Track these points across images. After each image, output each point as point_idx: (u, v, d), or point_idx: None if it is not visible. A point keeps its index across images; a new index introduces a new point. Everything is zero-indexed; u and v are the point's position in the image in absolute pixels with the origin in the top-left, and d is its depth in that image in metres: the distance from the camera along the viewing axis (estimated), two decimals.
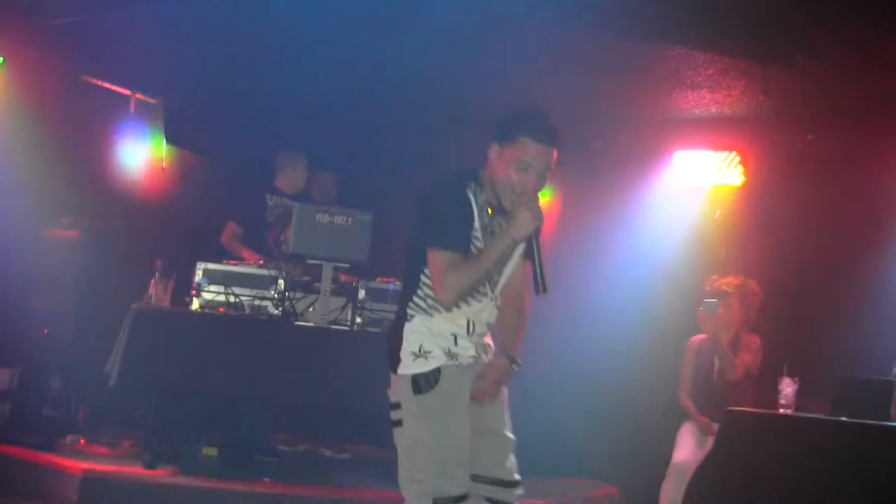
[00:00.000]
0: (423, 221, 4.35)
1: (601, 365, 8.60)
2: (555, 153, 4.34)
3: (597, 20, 6.96)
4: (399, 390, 4.45)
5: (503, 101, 8.62)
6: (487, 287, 4.40)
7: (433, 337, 4.35)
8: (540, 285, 4.31)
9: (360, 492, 7.15)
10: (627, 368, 8.51)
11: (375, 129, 9.54)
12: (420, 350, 4.35)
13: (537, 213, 4.24)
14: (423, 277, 4.36)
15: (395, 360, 4.43)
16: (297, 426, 8.51)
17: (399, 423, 4.47)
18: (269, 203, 8.13)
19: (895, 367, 6.58)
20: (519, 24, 7.19)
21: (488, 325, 4.48)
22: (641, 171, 9.24)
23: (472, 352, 4.40)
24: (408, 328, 4.39)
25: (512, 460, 4.50)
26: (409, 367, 4.36)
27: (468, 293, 4.33)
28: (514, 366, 4.52)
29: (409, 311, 4.41)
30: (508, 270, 4.48)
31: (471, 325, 4.38)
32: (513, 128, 4.38)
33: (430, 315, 4.37)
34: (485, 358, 4.48)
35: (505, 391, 4.57)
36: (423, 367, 4.34)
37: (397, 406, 4.48)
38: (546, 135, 4.34)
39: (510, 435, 4.51)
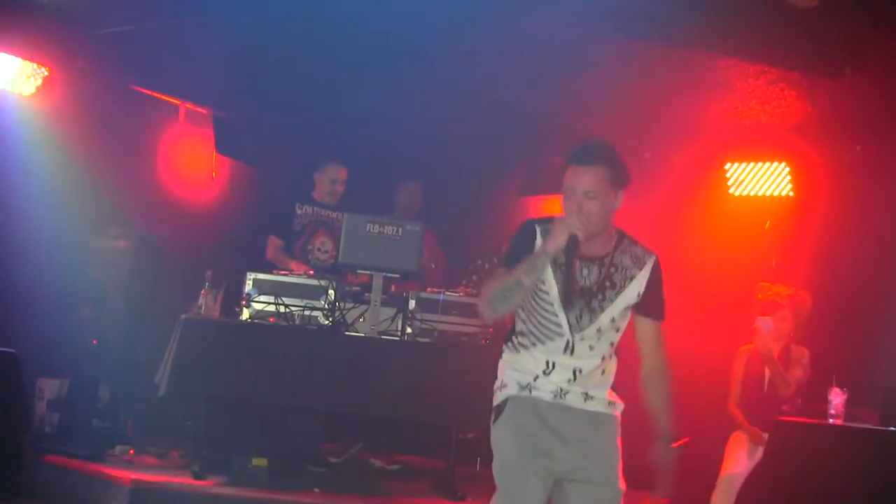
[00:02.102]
0: None
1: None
2: (597, 170, 4.22)
3: (647, 30, 6.94)
4: None
5: (556, 112, 8.76)
6: (565, 327, 4.31)
7: (514, 372, 4.38)
8: (564, 296, 4.24)
9: (410, 502, 7.14)
10: (676, 378, 8.45)
11: (439, 141, 9.54)
12: (501, 383, 4.42)
13: (573, 226, 4.14)
14: (515, 318, 4.42)
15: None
16: (347, 436, 8.50)
17: None
18: (298, 212, 8.12)
19: None
20: (569, 34, 7.18)
21: (580, 371, 4.38)
22: (691, 181, 9.20)
23: (552, 387, 4.37)
24: (500, 363, 4.48)
25: None
26: (495, 399, 4.44)
27: (505, 307, 4.29)
28: (670, 446, 4.65)
29: (503, 348, 4.50)
30: (603, 317, 4.35)
31: (550, 364, 4.34)
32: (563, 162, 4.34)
33: (517, 352, 4.40)
34: (577, 400, 4.42)
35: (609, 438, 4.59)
36: (499, 398, 4.41)
37: None
38: (580, 155, 4.25)
39: (616, 486, 4.57)
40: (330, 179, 8.21)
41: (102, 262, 8.26)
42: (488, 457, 8.09)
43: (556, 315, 4.31)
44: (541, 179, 10.20)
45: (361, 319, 7.22)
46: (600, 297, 4.31)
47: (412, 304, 7.33)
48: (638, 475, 8.08)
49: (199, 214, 9.34)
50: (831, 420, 6.37)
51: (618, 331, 4.41)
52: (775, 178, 8.86)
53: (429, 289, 7.49)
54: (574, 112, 8.76)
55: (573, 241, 4.14)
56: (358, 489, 7.29)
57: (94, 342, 8.06)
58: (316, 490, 6.92)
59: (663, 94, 8.21)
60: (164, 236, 8.54)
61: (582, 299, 4.29)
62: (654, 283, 4.40)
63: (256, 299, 7.16)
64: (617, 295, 4.33)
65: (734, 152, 9.08)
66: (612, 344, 4.42)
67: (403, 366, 7.07)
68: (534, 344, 4.35)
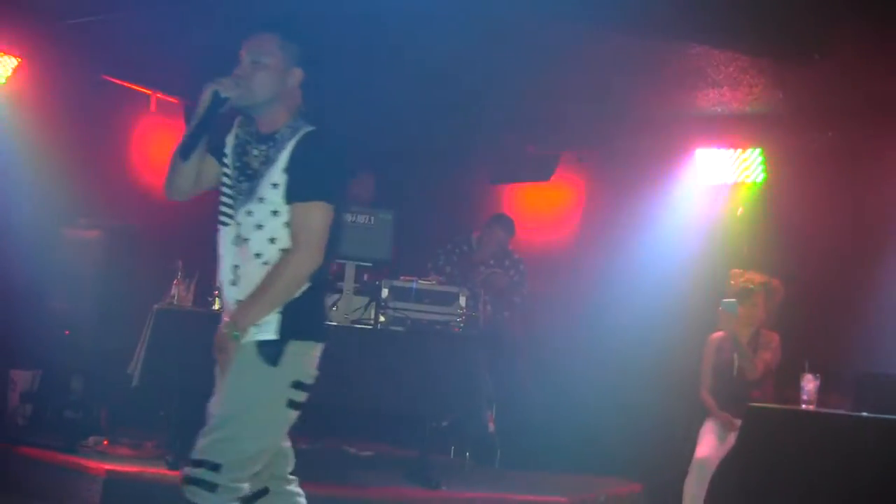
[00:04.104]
0: None
1: (624, 362, 8.61)
2: (268, 38, 4.11)
3: (616, 19, 6.95)
4: None
5: (524, 100, 8.76)
6: (231, 208, 4.12)
7: None
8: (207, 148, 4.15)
9: (383, 491, 7.14)
10: (650, 365, 8.51)
11: (401, 129, 9.52)
12: None
13: (220, 84, 4.01)
14: None
15: None
16: (320, 424, 8.49)
17: None
18: None
19: None
20: (540, 23, 7.17)
21: (236, 273, 4.08)
22: (663, 169, 9.26)
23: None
24: None
25: (204, 439, 3.98)
26: None
27: (171, 181, 4.27)
28: (233, 332, 4.00)
29: None
30: (255, 198, 4.05)
31: (225, 267, 4.14)
32: None
33: None
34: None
35: (236, 363, 4.03)
36: None
37: None
38: (258, 25, 4.15)
39: (216, 411, 4.04)
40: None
41: (74, 252, 8.24)
42: (462, 445, 8.17)
43: (227, 198, 4.16)
44: (513, 168, 10.23)
45: (334, 308, 7.21)
46: (259, 177, 4.07)
47: (385, 292, 7.33)
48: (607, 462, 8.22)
49: (171, 204, 9.28)
50: (804, 406, 6.41)
51: (275, 215, 4.02)
52: (747, 165, 8.90)
53: (401, 277, 7.49)
54: (545, 101, 8.77)
55: (216, 98, 4.02)
56: (332, 477, 7.28)
57: (67, 333, 8.04)
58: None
59: (634, 83, 8.22)
60: (136, 226, 8.52)
61: (247, 181, 4.10)
62: (299, 157, 4.03)
63: None
64: (267, 171, 4.06)
65: (706, 139, 9.11)
66: (271, 240, 4.02)
67: (377, 355, 7.07)
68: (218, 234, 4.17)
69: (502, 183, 10.39)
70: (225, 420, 3.97)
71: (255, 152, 4.12)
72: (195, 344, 6.82)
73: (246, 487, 4.01)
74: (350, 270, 7.27)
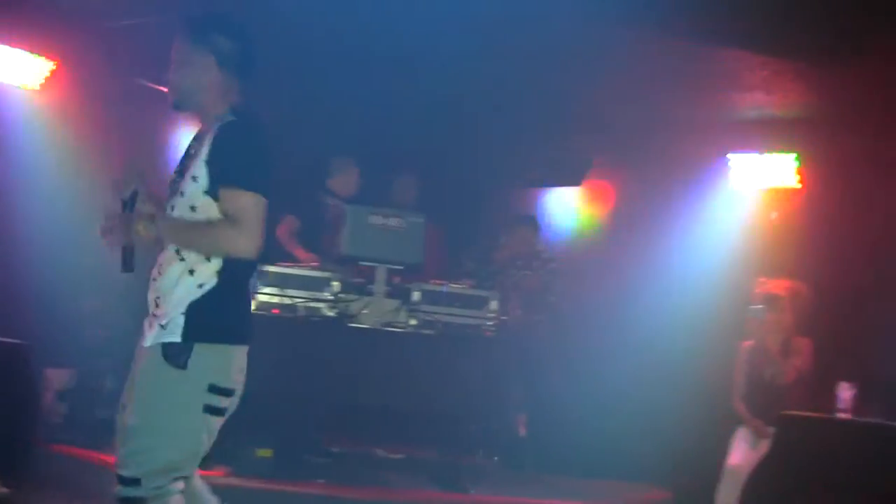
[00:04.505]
0: None
1: (655, 367, 8.57)
2: (178, 43, 4.08)
3: (651, 22, 6.93)
4: None
5: (557, 103, 8.75)
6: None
7: None
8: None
9: (411, 493, 7.16)
10: (682, 371, 8.46)
11: (435, 132, 9.53)
12: None
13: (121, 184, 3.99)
14: None
15: None
16: (349, 427, 8.52)
17: None
18: (329, 202, 8.14)
19: None
20: (577, 29, 7.17)
21: (160, 269, 3.98)
22: (696, 173, 9.19)
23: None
24: None
25: (119, 451, 3.93)
26: None
27: None
28: (142, 223, 3.92)
29: None
30: (177, 201, 3.94)
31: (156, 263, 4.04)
32: None
33: None
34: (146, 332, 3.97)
35: (142, 368, 3.95)
36: None
37: None
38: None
39: (128, 420, 3.91)
40: (355, 175, 8.26)
41: (107, 253, 8.26)
42: (491, 449, 8.15)
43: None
44: (545, 172, 10.22)
45: (365, 311, 7.23)
46: (184, 171, 3.97)
47: (416, 295, 7.34)
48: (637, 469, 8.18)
49: None
50: (840, 414, 6.36)
51: (192, 210, 3.90)
52: (781, 170, 8.83)
53: (432, 281, 7.50)
54: (578, 105, 8.75)
55: (126, 201, 4.00)
56: (362, 480, 7.30)
57: (101, 333, 8.10)
58: (320, 481, 6.94)
59: (667, 87, 8.19)
60: None
61: (178, 178, 3.99)
62: (219, 146, 3.87)
63: (260, 290, 7.17)
64: (191, 164, 3.94)
65: (739, 144, 9.05)
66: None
67: (407, 358, 7.09)
68: None
69: (535, 187, 10.38)
70: (137, 430, 3.86)
71: (190, 150, 4.04)
72: None
73: (178, 487, 3.89)
74: (381, 273, 7.28)
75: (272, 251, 7.59)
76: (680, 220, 9.04)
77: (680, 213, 9.08)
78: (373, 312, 7.22)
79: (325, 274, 7.27)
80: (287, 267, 7.33)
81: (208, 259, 3.88)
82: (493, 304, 7.43)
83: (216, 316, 3.90)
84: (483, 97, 8.67)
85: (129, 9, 7.78)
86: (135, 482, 3.82)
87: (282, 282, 7.19)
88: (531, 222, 8.92)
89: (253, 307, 7.13)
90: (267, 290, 7.16)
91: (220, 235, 3.84)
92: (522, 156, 10.25)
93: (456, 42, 7.41)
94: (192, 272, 3.88)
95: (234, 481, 6.70)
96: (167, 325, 3.87)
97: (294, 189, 8.27)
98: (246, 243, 3.84)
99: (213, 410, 3.92)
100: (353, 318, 7.20)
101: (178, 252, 3.91)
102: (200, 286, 3.88)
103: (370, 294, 7.29)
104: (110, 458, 6.74)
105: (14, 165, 8.17)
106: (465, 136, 9.53)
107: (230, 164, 3.86)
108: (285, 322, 7.14)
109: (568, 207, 10.25)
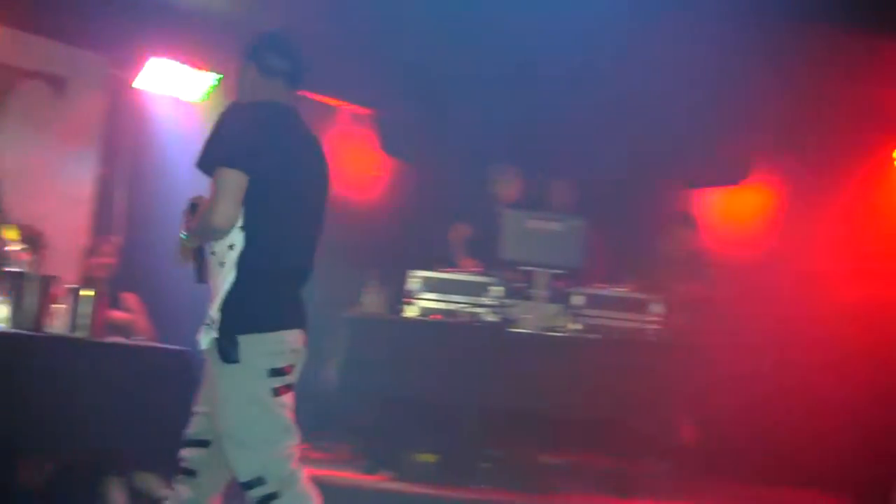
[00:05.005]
0: None
1: (825, 369, 8.35)
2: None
3: (810, 14, 6.79)
4: None
5: (716, 100, 8.61)
6: None
7: None
8: None
9: (576, 499, 7.12)
10: (855, 372, 8.23)
11: (590, 137, 9.47)
12: None
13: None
14: None
15: None
16: (514, 432, 8.49)
17: None
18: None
19: None
20: (739, 24, 7.06)
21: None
22: (860, 171, 8.94)
23: None
24: None
25: (230, 460, 4.19)
26: None
27: None
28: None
29: None
30: None
31: None
32: None
33: None
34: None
35: (212, 372, 4.19)
36: None
37: None
38: None
39: (218, 427, 4.18)
40: (517, 181, 8.24)
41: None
42: (657, 454, 8.05)
43: None
44: (705, 171, 10.06)
45: (527, 316, 7.20)
46: None
47: (578, 299, 7.28)
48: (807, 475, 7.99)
49: (363, 213, 9.44)
50: None
51: None
52: None
53: (595, 284, 7.43)
54: (738, 102, 8.61)
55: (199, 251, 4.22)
56: (525, 485, 7.24)
57: None
58: (483, 486, 6.93)
59: (829, 81, 7.99)
60: (330, 235, 8.64)
61: None
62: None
63: (422, 296, 7.20)
64: None
65: None
66: (230, 247, 4.09)
67: (570, 362, 7.04)
68: None
69: (694, 187, 10.22)
70: (229, 435, 4.09)
71: None
72: (389, 350, 7.02)
73: (297, 466, 4.14)
74: (541, 277, 7.25)
75: (443, 257, 7.63)
76: (845, 219, 8.80)
77: (846, 210, 8.85)
78: (534, 317, 7.20)
79: (486, 279, 7.27)
80: (448, 272, 7.35)
81: (230, 247, 4.06)
82: (656, 307, 7.33)
83: (246, 307, 4.07)
84: (641, 97, 8.60)
85: (287, 20, 7.91)
86: (258, 482, 4.02)
87: (443, 287, 7.22)
88: (690, 222, 8.77)
89: (413, 313, 7.18)
90: (429, 295, 7.19)
91: (203, 213, 4.07)
92: (679, 155, 10.11)
93: (613, 46, 7.37)
94: (222, 264, 4.08)
95: (397, 486, 6.77)
96: (212, 324, 4.07)
97: (466, 197, 8.32)
98: (215, 217, 4.00)
99: (280, 392, 4.11)
100: (514, 322, 7.18)
101: (213, 254, 4.13)
102: (228, 281, 4.06)
103: (531, 298, 7.26)
104: None
105: (179, 178, 8.35)
106: (622, 137, 9.43)
107: (209, 144, 4.11)
108: (447, 327, 7.16)
109: (728, 207, 10.08)
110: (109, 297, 5.48)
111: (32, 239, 6.50)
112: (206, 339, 4.10)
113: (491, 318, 7.18)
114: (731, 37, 7.25)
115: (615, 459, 7.42)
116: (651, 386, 7.05)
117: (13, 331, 5.30)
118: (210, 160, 4.08)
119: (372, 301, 7.39)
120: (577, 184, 8.66)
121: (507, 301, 7.20)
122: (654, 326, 7.30)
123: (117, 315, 7.18)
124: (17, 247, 5.93)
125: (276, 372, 4.08)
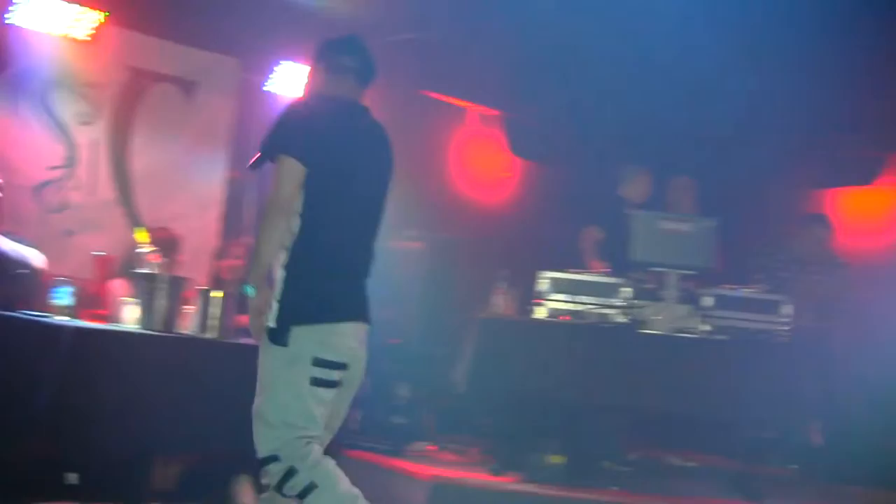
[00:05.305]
0: None
1: None
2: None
3: None
4: None
5: (845, 99, 8.48)
6: None
7: None
8: None
9: (704, 502, 7.07)
10: None
11: (717, 138, 9.40)
12: None
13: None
14: None
15: None
16: (642, 434, 8.45)
17: None
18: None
19: None
20: (864, 21, 6.95)
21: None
22: None
23: None
24: None
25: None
26: None
27: None
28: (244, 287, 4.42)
29: None
30: None
31: None
32: None
33: None
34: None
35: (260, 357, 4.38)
36: None
37: None
38: None
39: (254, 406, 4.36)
40: (648, 182, 8.20)
41: (401, 263, 8.49)
42: (786, 457, 7.94)
43: None
44: (834, 171, 9.92)
45: (657, 317, 7.16)
46: None
47: (708, 300, 7.21)
48: None
49: (493, 214, 9.48)
50: None
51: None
52: None
53: (725, 285, 7.35)
54: (868, 100, 8.46)
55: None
56: (655, 488, 7.23)
57: (395, 341, 8.29)
58: (613, 488, 6.90)
59: None
60: (458, 238, 8.71)
61: None
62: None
63: (551, 297, 7.19)
64: None
65: None
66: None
67: (700, 363, 6.96)
68: None
69: (823, 188, 10.07)
70: (259, 411, 4.28)
71: None
72: (518, 351, 7.02)
73: (315, 449, 4.26)
74: (672, 278, 7.20)
75: (572, 259, 7.61)
76: None
77: None
78: (664, 318, 7.15)
79: (616, 280, 7.24)
80: (577, 273, 7.33)
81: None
82: (786, 309, 7.23)
83: (298, 299, 4.26)
84: (765, 96, 8.51)
85: (407, 24, 7.98)
86: (273, 458, 4.23)
87: (572, 288, 7.20)
88: (823, 223, 8.63)
89: (542, 314, 7.18)
90: (558, 296, 7.18)
91: (260, 228, 4.30)
92: (808, 155, 9.98)
93: (745, 48, 7.31)
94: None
95: (526, 488, 6.76)
96: (269, 315, 4.27)
97: (595, 198, 8.29)
98: (271, 202, 4.23)
99: (321, 382, 4.27)
100: (644, 324, 7.15)
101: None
102: (285, 270, 4.28)
103: (661, 300, 7.22)
104: (405, 465, 7.01)
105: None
106: (750, 138, 9.34)
107: (272, 133, 4.33)
108: (576, 328, 7.14)
109: (860, 207, 9.90)
110: (238, 298, 5.57)
111: (164, 241, 6.65)
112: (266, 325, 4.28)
113: (620, 319, 7.15)
114: (861, 36, 7.13)
115: (743, 462, 7.34)
116: (780, 388, 6.95)
117: (145, 331, 5.45)
118: (270, 147, 4.29)
119: (501, 302, 7.40)
120: (701, 185, 8.59)
121: (636, 302, 7.16)
122: (785, 327, 7.19)
123: (246, 318, 7.30)
124: (148, 249, 6.05)
125: (321, 362, 4.26)
